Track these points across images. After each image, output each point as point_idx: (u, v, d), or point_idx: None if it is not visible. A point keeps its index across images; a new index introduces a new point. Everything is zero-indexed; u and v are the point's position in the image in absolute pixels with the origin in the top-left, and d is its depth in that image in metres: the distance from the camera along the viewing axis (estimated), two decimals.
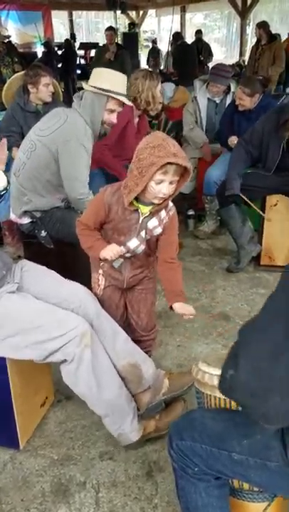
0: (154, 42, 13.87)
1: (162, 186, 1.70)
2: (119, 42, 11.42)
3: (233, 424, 1.17)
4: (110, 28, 7.87)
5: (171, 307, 1.87)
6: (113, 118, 2.46)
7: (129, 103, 2.53)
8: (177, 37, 9.40)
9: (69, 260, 2.48)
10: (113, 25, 11.38)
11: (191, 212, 4.18)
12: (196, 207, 4.24)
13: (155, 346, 2.32)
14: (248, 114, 3.59)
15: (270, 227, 3.27)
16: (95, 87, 2.37)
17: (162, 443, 1.88)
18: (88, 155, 2.44)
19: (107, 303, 2.00)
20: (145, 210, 1.81)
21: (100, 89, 2.36)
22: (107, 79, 2.38)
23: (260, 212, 3.22)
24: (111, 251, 1.80)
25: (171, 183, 1.70)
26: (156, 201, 1.76)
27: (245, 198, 3.14)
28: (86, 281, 2.03)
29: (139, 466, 1.81)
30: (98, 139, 2.53)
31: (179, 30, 12.71)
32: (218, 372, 1.32)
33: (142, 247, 1.88)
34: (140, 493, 1.71)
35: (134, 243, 1.86)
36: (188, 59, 8.23)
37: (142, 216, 1.82)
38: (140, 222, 1.83)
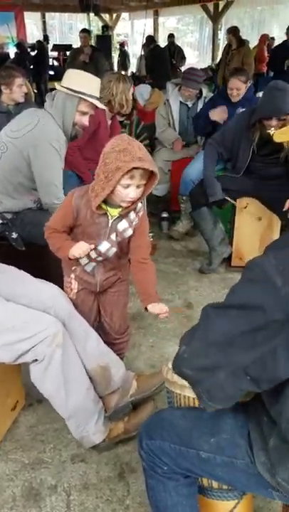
0: (121, 45, 13.90)
1: (129, 190, 1.70)
2: (93, 44, 11.42)
3: (201, 423, 1.18)
4: (85, 30, 7.86)
5: (146, 308, 1.87)
6: (85, 120, 2.45)
7: (101, 106, 2.52)
8: (150, 40, 9.44)
9: (41, 262, 2.46)
10: (87, 28, 11.38)
11: (165, 215, 4.20)
12: (170, 209, 4.27)
13: (128, 348, 2.33)
14: (237, 105, 3.69)
15: (240, 229, 3.32)
16: (67, 88, 2.36)
17: (134, 444, 1.88)
18: (61, 159, 2.42)
19: (80, 307, 1.99)
20: (114, 212, 1.81)
21: (72, 90, 2.34)
22: (80, 80, 2.36)
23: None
24: (79, 248, 1.79)
25: (138, 186, 1.70)
26: (124, 204, 1.76)
27: (231, 200, 3.18)
28: (58, 284, 2.01)
29: (111, 468, 1.81)
30: (70, 140, 2.51)
31: (152, 34, 12.79)
32: None
33: (114, 249, 1.88)
34: (112, 494, 1.71)
35: (104, 246, 1.86)
36: (161, 62, 8.28)
37: (111, 219, 1.82)
38: (110, 225, 1.83)
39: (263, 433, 1.08)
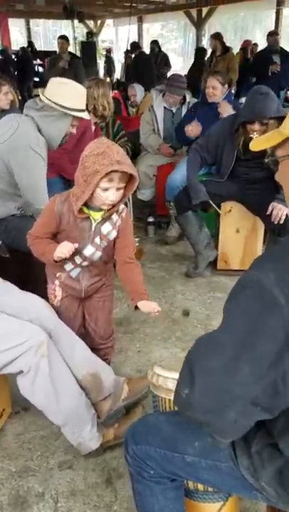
0: (108, 51, 13.97)
1: (109, 193, 1.71)
2: (78, 50, 11.45)
3: (186, 427, 1.19)
4: (62, 37, 7.85)
5: (136, 307, 1.88)
6: (74, 130, 2.50)
7: (89, 117, 2.56)
8: (135, 47, 9.50)
9: (25, 269, 2.45)
10: (71, 34, 11.41)
11: (151, 219, 4.22)
12: (156, 213, 4.29)
13: (113, 354, 2.33)
14: (214, 106, 3.72)
15: (225, 233, 3.35)
16: (59, 105, 2.36)
17: (121, 450, 1.85)
18: (44, 163, 2.43)
19: (64, 314, 1.99)
20: (96, 216, 1.82)
21: (64, 107, 2.36)
22: (71, 96, 2.38)
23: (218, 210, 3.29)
24: (64, 247, 1.78)
25: (117, 189, 1.72)
26: (104, 207, 1.77)
27: (213, 204, 3.20)
28: (42, 291, 2.01)
29: (98, 474, 1.81)
30: (58, 147, 2.54)
31: (137, 40, 12.87)
32: (172, 375, 1.35)
33: (99, 253, 1.89)
34: (99, 500, 1.71)
35: (89, 250, 1.87)
36: (146, 69, 8.34)
37: (94, 223, 1.83)
38: (93, 228, 1.83)
39: (246, 438, 1.09)
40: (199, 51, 9.45)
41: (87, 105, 3.08)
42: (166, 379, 1.34)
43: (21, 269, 2.46)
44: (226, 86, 3.76)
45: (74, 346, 1.88)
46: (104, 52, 14.65)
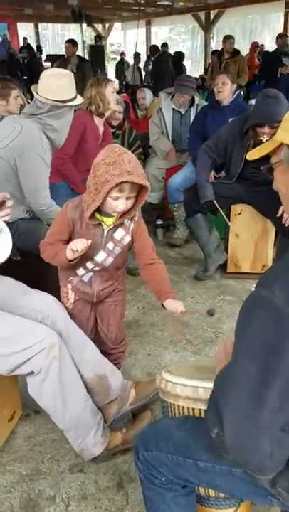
0: (122, 54, 14.04)
1: (119, 202, 1.71)
2: (86, 54, 11.51)
3: (198, 432, 1.17)
4: (69, 41, 7.88)
5: (162, 305, 1.89)
6: None
7: (82, 100, 2.60)
8: (154, 50, 9.59)
9: (37, 272, 2.45)
10: (79, 38, 11.46)
11: (159, 222, 4.23)
12: (165, 216, 4.30)
13: (124, 358, 2.32)
14: (223, 109, 3.73)
15: (235, 236, 3.33)
16: (60, 101, 2.39)
17: (132, 453, 1.87)
18: (47, 164, 2.44)
19: (77, 317, 1.99)
20: (109, 222, 1.82)
21: (64, 101, 2.39)
22: (64, 86, 2.41)
23: (227, 220, 3.28)
24: (76, 243, 1.74)
25: (128, 198, 1.71)
26: (115, 214, 1.78)
27: (217, 205, 3.19)
28: (55, 293, 2.01)
29: (109, 478, 1.80)
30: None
31: (145, 43, 12.91)
32: (181, 380, 1.33)
33: (110, 259, 1.89)
34: (111, 504, 1.70)
35: (101, 256, 1.87)
36: (165, 70, 8.43)
37: (106, 229, 1.83)
38: (105, 234, 1.83)
39: None
40: (214, 54, 9.46)
41: (89, 108, 3.14)
42: (175, 385, 1.32)
43: (32, 271, 2.46)
44: (234, 86, 3.77)
45: (84, 347, 1.88)
46: (113, 56, 14.70)
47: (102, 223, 1.82)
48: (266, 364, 0.85)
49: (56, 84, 2.38)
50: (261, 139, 2.84)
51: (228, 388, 0.89)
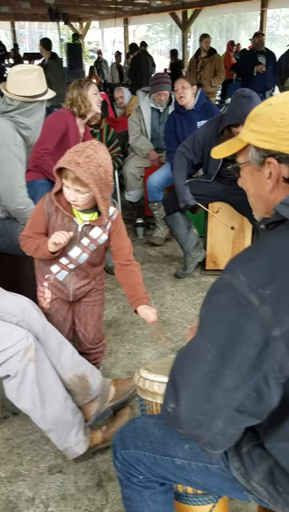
0: (99, 52, 13.99)
1: (68, 192, 1.71)
2: (64, 53, 11.44)
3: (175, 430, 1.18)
4: (41, 41, 7.74)
5: (135, 311, 1.87)
6: None
7: (54, 94, 2.56)
8: (134, 48, 9.56)
9: (13, 273, 2.43)
10: (57, 36, 11.37)
11: (140, 221, 4.23)
12: (145, 215, 4.31)
13: (103, 358, 2.32)
14: (189, 114, 3.71)
15: (213, 233, 3.35)
16: (30, 97, 2.36)
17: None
18: (21, 163, 2.41)
19: (54, 316, 1.98)
20: (84, 217, 1.81)
21: (35, 96, 2.37)
22: (34, 82, 2.39)
23: (211, 213, 3.29)
24: (57, 238, 1.73)
25: (76, 191, 1.69)
26: (77, 208, 1.78)
27: (202, 206, 3.21)
28: (31, 294, 1.99)
29: (89, 477, 1.80)
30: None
31: (123, 42, 12.88)
32: (159, 378, 1.34)
33: (85, 256, 1.87)
34: (90, 504, 1.69)
35: (75, 252, 1.85)
36: (143, 69, 8.42)
37: (80, 224, 1.82)
38: (79, 229, 1.82)
39: None
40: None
41: (71, 109, 3.11)
42: (153, 382, 1.33)
43: (8, 272, 2.44)
44: (195, 87, 3.71)
45: (62, 348, 1.86)
46: (91, 54, 14.63)
47: (77, 218, 1.81)
48: (225, 347, 0.86)
49: (24, 79, 2.35)
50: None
51: (188, 366, 0.91)
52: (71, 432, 1.78)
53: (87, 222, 1.81)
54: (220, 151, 1.14)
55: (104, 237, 1.87)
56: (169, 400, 0.94)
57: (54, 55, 7.51)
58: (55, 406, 1.74)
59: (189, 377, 0.90)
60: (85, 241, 1.84)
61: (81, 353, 1.95)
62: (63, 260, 1.87)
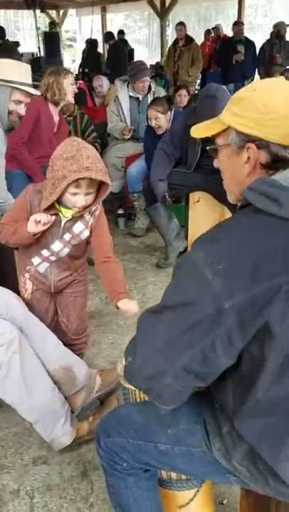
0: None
1: (77, 198, 1.69)
2: (41, 41, 11.25)
3: (157, 416, 1.19)
4: None
5: (117, 307, 1.87)
6: (20, 109, 2.42)
7: (36, 92, 2.51)
8: (109, 36, 9.39)
9: None
10: (33, 25, 11.15)
11: (121, 211, 4.22)
12: (126, 205, 4.28)
13: (87, 349, 2.31)
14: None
15: (194, 223, 3.37)
16: None
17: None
18: (1, 156, 2.37)
19: (36, 307, 1.97)
20: (67, 213, 1.79)
21: (3, 80, 2.30)
22: (8, 69, 2.33)
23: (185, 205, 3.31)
24: (38, 216, 1.69)
25: (87, 194, 1.69)
26: (75, 209, 1.75)
27: (170, 201, 3.23)
28: (14, 288, 1.97)
29: (73, 467, 1.81)
30: (6, 131, 2.46)
31: (100, 31, 12.70)
32: None
33: (67, 250, 1.87)
34: (76, 493, 1.70)
35: (57, 246, 1.85)
36: (121, 58, 8.31)
37: (63, 220, 1.80)
38: (62, 225, 1.81)
39: (217, 420, 1.11)
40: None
41: (44, 95, 3.06)
42: None
43: None
44: (169, 113, 3.54)
45: (46, 340, 1.86)
46: (69, 43, 14.40)
47: (60, 214, 1.79)
48: (179, 313, 0.95)
49: (5, 66, 2.32)
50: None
51: (147, 329, 1.01)
52: (58, 423, 1.78)
53: (70, 217, 1.80)
54: (199, 131, 1.15)
55: (86, 232, 1.87)
56: (128, 355, 1.05)
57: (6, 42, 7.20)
58: (43, 397, 1.74)
59: (147, 336, 1.00)
60: (67, 236, 1.83)
61: (65, 345, 1.95)
62: (44, 252, 1.86)
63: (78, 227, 1.83)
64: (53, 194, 1.65)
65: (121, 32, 10.49)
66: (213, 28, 9.81)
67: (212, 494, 1.40)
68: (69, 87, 3.08)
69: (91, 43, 9.05)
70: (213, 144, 1.13)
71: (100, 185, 1.74)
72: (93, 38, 9.25)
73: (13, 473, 1.78)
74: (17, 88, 2.33)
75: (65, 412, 1.82)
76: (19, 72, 2.36)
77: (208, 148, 1.16)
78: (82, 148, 1.63)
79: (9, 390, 1.71)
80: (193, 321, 0.93)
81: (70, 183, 1.61)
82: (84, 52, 9.54)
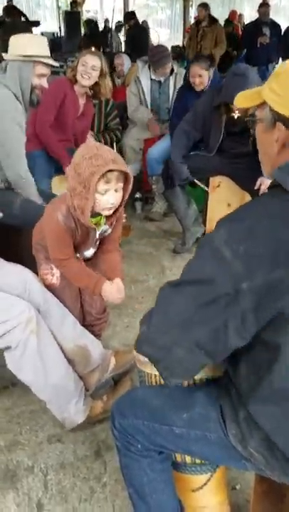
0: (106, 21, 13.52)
1: (109, 196, 1.68)
2: (62, 21, 11.09)
3: (173, 399, 1.19)
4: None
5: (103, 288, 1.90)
6: (44, 82, 2.40)
7: (55, 63, 2.48)
8: (130, 16, 9.21)
9: (13, 245, 2.41)
10: (54, 4, 11.01)
11: (138, 195, 4.18)
12: (144, 189, 4.23)
13: (105, 329, 2.33)
14: (201, 93, 3.61)
15: (213, 208, 3.33)
16: (18, 55, 2.29)
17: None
18: (22, 129, 2.36)
19: (67, 291, 1.98)
20: (100, 226, 1.84)
21: (25, 56, 2.29)
22: (29, 44, 2.31)
23: (206, 188, 3.27)
24: (116, 295, 1.86)
25: (116, 190, 1.69)
26: (106, 213, 1.75)
27: (198, 182, 3.18)
28: (30, 266, 1.98)
29: (87, 447, 1.83)
30: (33, 106, 2.45)
31: (123, 10, 12.46)
32: None
33: (94, 250, 1.97)
34: (89, 472, 1.73)
35: (90, 252, 1.94)
36: (142, 38, 8.18)
37: (98, 231, 1.86)
38: (97, 236, 1.88)
39: (234, 405, 1.10)
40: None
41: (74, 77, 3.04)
42: None
43: (8, 243, 2.42)
44: (212, 70, 3.63)
45: (63, 319, 1.88)
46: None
47: (97, 226, 1.82)
48: (198, 290, 0.96)
49: (22, 42, 2.32)
50: (233, 114, 2.84)
51: (165, 303, 1.03)
52: (71, 401, 1.80)
53: (106, 227, 1.86)
54: (239, 99, 1.11)
55: (109, 231, 1.94)
56: (143, 324, 1.07)
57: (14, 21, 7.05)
58: (58, 376, 1.76)
59: (163, 308, 1.02)
60: (98, 242, 1.94)
61: (86, 326, 2.00)
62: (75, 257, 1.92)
63: (104, 228, 1.90)
64: (89, 198, 1.63)
65: (132, 14, 10.12)
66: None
67: (226, 479, 1.41)
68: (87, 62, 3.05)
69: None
70: (247, 117, 1.11)
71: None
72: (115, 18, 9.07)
73: (27, 450, 1.81)
74: (39, 62, 2.31)
75: (79, 391, 1.84)
76: (37, 44, 2.34)
77: (246, 119, 1.14)
78: (101, 147, 1.66)
79: (25, 368, 1.72)
80: (210, 299, 0.94)
81: (101, 178, 1.60)
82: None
